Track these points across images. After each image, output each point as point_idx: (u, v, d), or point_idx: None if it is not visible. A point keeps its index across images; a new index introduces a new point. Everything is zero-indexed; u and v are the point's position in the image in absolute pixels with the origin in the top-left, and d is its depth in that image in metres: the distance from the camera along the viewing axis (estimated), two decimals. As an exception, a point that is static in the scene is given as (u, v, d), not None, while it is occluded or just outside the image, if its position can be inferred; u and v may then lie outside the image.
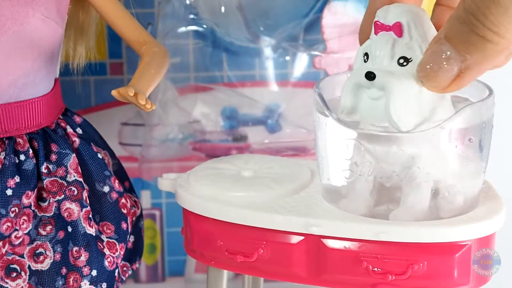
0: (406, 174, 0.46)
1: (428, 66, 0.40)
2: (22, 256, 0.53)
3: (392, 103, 0.44)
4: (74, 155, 0.54)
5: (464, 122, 0.45)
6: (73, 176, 0.54)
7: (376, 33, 0.45)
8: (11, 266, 0.53)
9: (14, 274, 0.53)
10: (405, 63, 0.44)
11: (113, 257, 0.55)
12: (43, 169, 0.53)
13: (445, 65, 0.39)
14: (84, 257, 0.53)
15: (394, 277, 0.47)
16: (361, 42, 0.47)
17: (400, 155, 0.46)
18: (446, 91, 0.41)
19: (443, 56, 0.39)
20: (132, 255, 0.59)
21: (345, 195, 0.49)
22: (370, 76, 0.44)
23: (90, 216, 0.54)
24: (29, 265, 0.53)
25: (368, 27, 0.46)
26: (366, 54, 0.45)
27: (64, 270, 0.53)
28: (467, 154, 0.46)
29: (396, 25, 0.44)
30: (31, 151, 0.53)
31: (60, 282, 0.53)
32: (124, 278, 0.58)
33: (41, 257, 0.53)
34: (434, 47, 0.39)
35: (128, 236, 0.57)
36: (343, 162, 0.47)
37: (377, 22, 0.45)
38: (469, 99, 0.49)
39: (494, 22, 0.36)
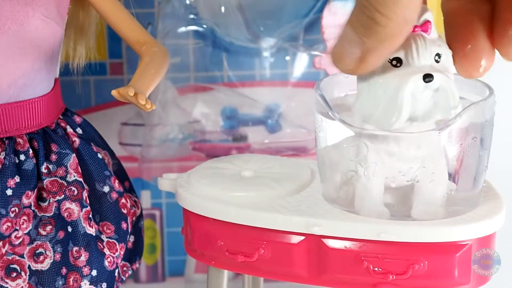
0: (412, 174, 0.46)
1: (335, 50, 0.40)
2: (22, 256, 0.53)
3: (452, 99, 0.44)
4: (74, 155, 0.54)
5: (468, 121, 0.45)
6: (73, 176, 0.54)
7: None
8: (11, 266, 0.53)
9: (14, 274, 0.53)
10: (439, 59, 0.44)
11: (113, 257, 0.55)
12: (43, 169, 0.53)
13: (349, 49, 0.39)
14: (84, 257, 0.53)
15: (394, 276, 0.47)
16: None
17: (406, 155, 0.46)
18: (355, 73, 0.41)
19: (347, 40, 0.39)
20: (132, 255, 0.59)
21: (348, 195, 0.49)
22: (429, 78, 0.43)
23: (90, 216, 0.54)
24: (29, 265, 0.53)
25: None
26: (397, 59, 0.44)
27: (64, 270, 0.53)
28: (470, 153, 0.46)
29: (426, 23, 0.44)
30: (31, 151, 0.53)
31: (60, 282, 0.53)
32: (124, 278, 0.58)
33: (41, 257, 0.53)
34: (341, 31, 0.40)
35: (128, 236, 0.57)
36: (346, 163, 0.47)
37: None
38: (466, 98, 0.49)
39: (380, 3, 0.36)
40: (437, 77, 0.43)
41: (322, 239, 0.49)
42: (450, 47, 0.42)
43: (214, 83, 0.70)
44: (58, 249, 0.53)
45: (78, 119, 0.57)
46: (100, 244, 0.54)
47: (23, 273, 0.53)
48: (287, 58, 0.69)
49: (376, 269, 0.48)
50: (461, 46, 0.41)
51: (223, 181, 0.53)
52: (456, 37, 0.41)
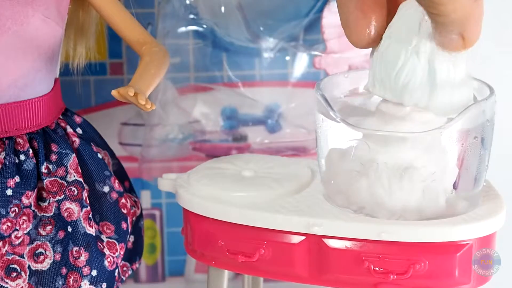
0: (413, 174, 0.46)
1: (439, 42, 0.42)
2: (22, 256, 0.53)
3: None
4: (74, 155, 0.54)
5: (470, 121, 0.45)
6: (73, 176, 0.54)
7: None
8: (11, 266, 0.53)
9: (14, 274, 0.53)
10: None
11: (113, 257, 0.55)
12: (43, 169, 0.53)
13: (445, 38, 0.41)
14: (84, 257, 0.53)
15: (395, 276, 0.47)
16: None
17: (407, 154, 0.46)
18: (465, 49, 0.43)
19: (437, 33, 0.41)
20: (132, 255, 0.59)
21: (351, 195, 0.49)
22: None
23: (90, 216, 0.54)
24: (29, 265, 0.53)
25: None
26: None
27: (64, 270, 0.53)
28: (471, 153, 0.46)
29: None
30: (31, 151, 0.53)
31: (60, 282, 0.53)
32: (124, 278, 0.58)
33: (41, 257, 0.53)
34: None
35: (128, 236, 0.57)
36: (348, 163, 0.47)
37: None
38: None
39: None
40: None
41: (323, 239, 0.49)
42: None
43: (214, 83, 0.70)
44: (58, 249, 0.53)
45: (78, 119, 0.57)
46: (100, 244, 0.54)
47: (23, 273, 0.53)
48: (287, 58, 0.69)
49: (377, 269, 0.48)
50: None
51: (223, 181, 0.53)
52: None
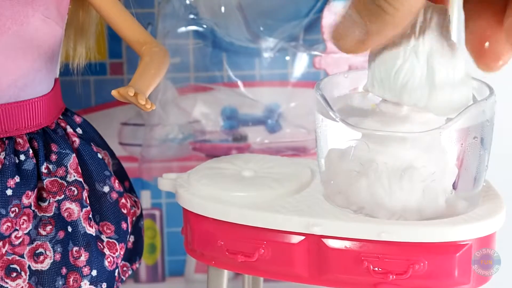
0: (413, 174, 0.46)
1: (337, 29, 0.42)
2: (22, 256, 0.53)
3: None
4: (74, 155, 0.54)
5: (470, 121, 0.45)
6: (73, 176, 0.54)
7: None
8: (11, 266, 0.53)
9: (14, 274, 0.53)
10: None
11: (113, 257, 0.55)
12: (43, 169, 0.53)
13: (351, 30, 0.41)
14: (84, 257, 0.53)
15: (395, 276, 0.47)
16: None
17: (407, 154, 0.46)
18: (354, 53, 0.42)
19: (350, 21, 0.41)
20: (132, 255, 0.59)
21: (350, 195, 0.49)
22: None
23: (90, 216, 0.54)
24: (29, 265, 0.53)
25: None
26: None
27: (64, 270, 0.53)
28: (471, 153, 0.46)
29: None
30: (31, 151, 0.53)
31: (60, 282, 0.53)
32: (124, 278, 0.58)
33: (41, 257, 0.53)
34: (344, 11, 0.42)
35: (128, 236, 0.57)
36: (348, 163, 0.47)
37: None
38: None
39: None
40: None
41: (322, 239, 0.49)
42: (469, 42, 0.43)
43: (214, 83, 0.70)
44: (58, 249, 0.53)
45: (78, 119, 0.57)
46: (100, 244, 0.54)
47: (23, 273, 0.53)
48: (287, 58, 0.69)
49: (376, 269, 0.48)
50: (479, 41, 0.41)
51: (223, 181, 0.53)
52: (474, 32, 0.42)
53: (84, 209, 0.54)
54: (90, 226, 0.54)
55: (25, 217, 0.53)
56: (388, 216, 0.47)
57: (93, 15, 0.59)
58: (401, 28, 0.39)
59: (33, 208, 0.53)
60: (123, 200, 0.56)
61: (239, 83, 0.69)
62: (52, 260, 0.53)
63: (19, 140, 0.53)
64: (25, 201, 0.52)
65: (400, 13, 0.38)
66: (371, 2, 0.39)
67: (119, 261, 0.56)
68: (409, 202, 0.47)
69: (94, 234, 0.54)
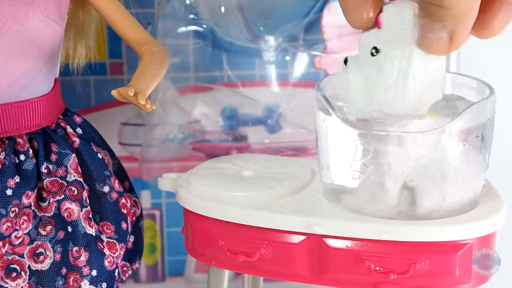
0: (416, 173, 0.46)
1: (425, 39, 0.42)
2: (22, 256, 0.53)
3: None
4: (74, 155, 0.54)
5: (471, 120, 0.45)
6: (73, 176, 0.54)
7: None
8: (11, 266, 0.53)
9: (14, 274, 0.53)
10: (375, 53, 0.44)
11: (113, 257, 0.55)
12: (43, 169, 0.53)
13: (434, 35, 0.41)
14: (84, 257, 0.53)
15: (396, 276, 0.47)
16: None
17: (410, 154, 0.46)
18: (449, 52, 0.43)
19: (428, 28, 0.41)
20: (132, 255, 0.59)
21: (352, 195, 0.49)
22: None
23: (90, 216, 0.54)
24: (29, 265, 0.53)
25: None
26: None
27: (64, 270, 0.53)
28: (473, 152, 0.47)
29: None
30: (31, 151, 0.53)
31: (60, 282, 0.53)
32: (124, 278, 0.58)
33: (41, 257, 0.53)
34: (418, 22, 0.42)
35: (128, 236, 0.57)
36: (351, 163, 0.47)
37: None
38: (464, 98, 0.49)
39: None
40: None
41: (323, 239, 0.49)
42: None
43: (214, 83, 0.70)
44: (58, 249, 0.53)
45: (78, 119, 0.57)
46: (100, 244, 0.54)
47: (23, 273, 0.53)
48: (287, 58, 0.69)
49: (377, 268, 0.48)
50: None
51: (223, 181, 0.53)
52: None
53: (84, 209, 0.54)
54: (90, 226, 0.54)
55: (25, 217, 0.53)
56: (391, 216, 0.47)
57: (93, 15, 0.59)
58: (473, 14, 0.39)
59: (33, 208, 0.53)
60: (123, 200, 0.56)
61: (239, 83, 0.69)
62: (52, 260, 0.53)
63: (19, 140, 0.53)
64: (25, 201, 0.52)
65: (454, 1, 0.38)
66: (426, 4, 0.39)
67: (119, 261, 0.56)
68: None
69: (94, 234, 0.54)
